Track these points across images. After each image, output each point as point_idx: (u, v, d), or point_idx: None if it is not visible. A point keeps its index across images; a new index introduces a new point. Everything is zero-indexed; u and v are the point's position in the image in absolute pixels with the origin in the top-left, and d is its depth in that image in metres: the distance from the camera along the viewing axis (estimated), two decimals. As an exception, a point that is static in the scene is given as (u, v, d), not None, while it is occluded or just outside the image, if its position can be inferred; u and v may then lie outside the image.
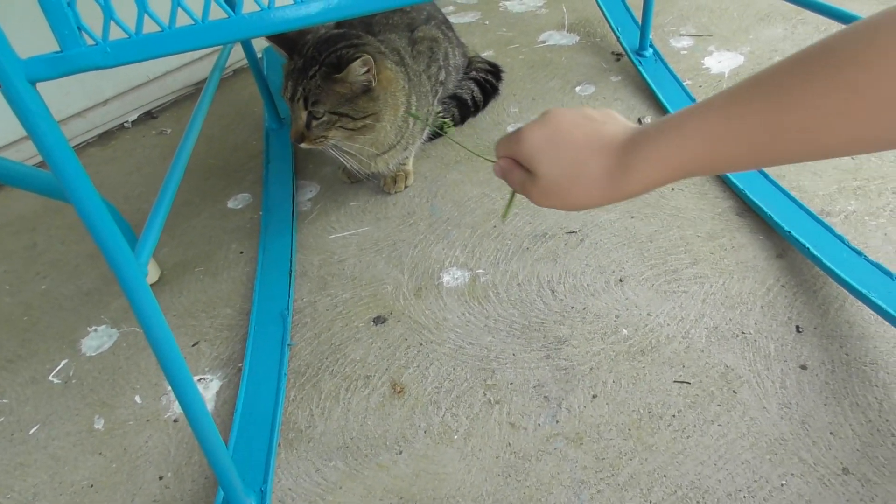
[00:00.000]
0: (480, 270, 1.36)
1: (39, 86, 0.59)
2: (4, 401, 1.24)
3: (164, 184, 0.96)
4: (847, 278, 1.15)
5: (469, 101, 1.76)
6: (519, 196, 0.71)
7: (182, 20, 0.60)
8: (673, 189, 1.47)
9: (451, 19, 1.94)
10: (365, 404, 1.14)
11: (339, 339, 1.26)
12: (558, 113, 0.64)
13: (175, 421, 1.17)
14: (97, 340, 1.34)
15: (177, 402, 1.19)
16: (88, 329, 1.36)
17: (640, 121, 1.66)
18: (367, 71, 1.29)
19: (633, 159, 0.58)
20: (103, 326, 1.36)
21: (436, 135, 1.69)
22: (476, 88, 1.79)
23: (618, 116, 0.64)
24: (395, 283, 1.36)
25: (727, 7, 2.14)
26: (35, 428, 1.19)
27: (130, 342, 1.32)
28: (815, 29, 1.92)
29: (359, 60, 1.26)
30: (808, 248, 1.22)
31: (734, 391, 1.08)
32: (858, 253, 1.20)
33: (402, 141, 1.47)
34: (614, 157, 0.59)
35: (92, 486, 1.09)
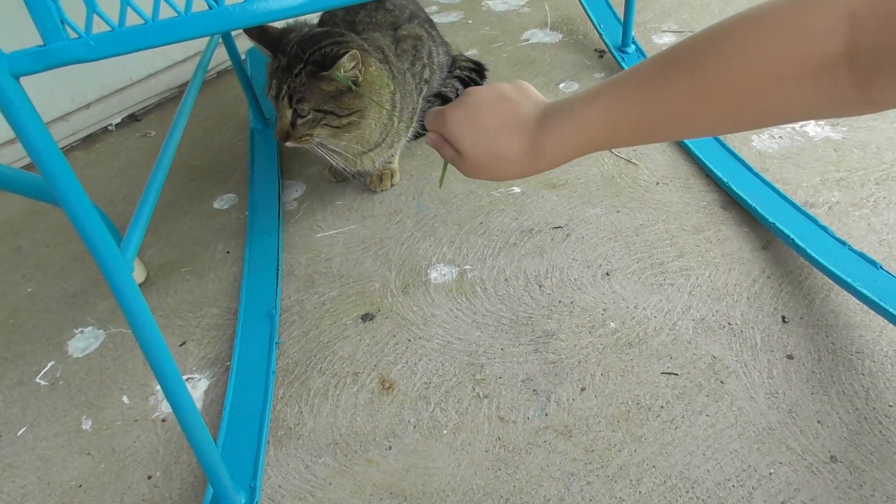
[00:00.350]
0: (468, 266, 1.36)
1: (23, 87, 0.59)
2: (-10, 404, 1.24)
3: (148, 181, 0.96)
4: (832, 268, 1.16)
5: (454, 99, 1.76)
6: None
7: (165, 12, 0.60)
8: (658, 183, 1.48)
9: (435, 19, 1.94)
10: (354, 401, 1.14)
11: (328, 337, 1.26)
12: (476, 95, 0.70)
13: (163, 420, 1.16)
14: (84, 342, 1.33)
15: (164, 402, 1.19)
16: (75, 331, 1.36)
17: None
18: (355, 66, 1.29)
19: (543, 140, 0.65)
20: (90, 328, 1.36)
21: (421, 133, 1.69)
22: (461, 87, 1.79)
23: (529, 90, 0.71)
24: (382, 280, 1.36)
25: (708, 3, 2.16)
26: (23, 429, 1.18)
27: (117, 343, 1.32)
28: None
29: (347, 55, 1.26)
30: (792, 239, 1.23)
31: (721, 382, 1.08)
32: (842, 243, 1.21)
33: (388, 139, 1.47)
34: (528, 138, 0.66)
35: (80, 486, 1.08)
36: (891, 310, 1.05)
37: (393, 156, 1.59)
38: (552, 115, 0.65)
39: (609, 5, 2.09)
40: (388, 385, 1.16)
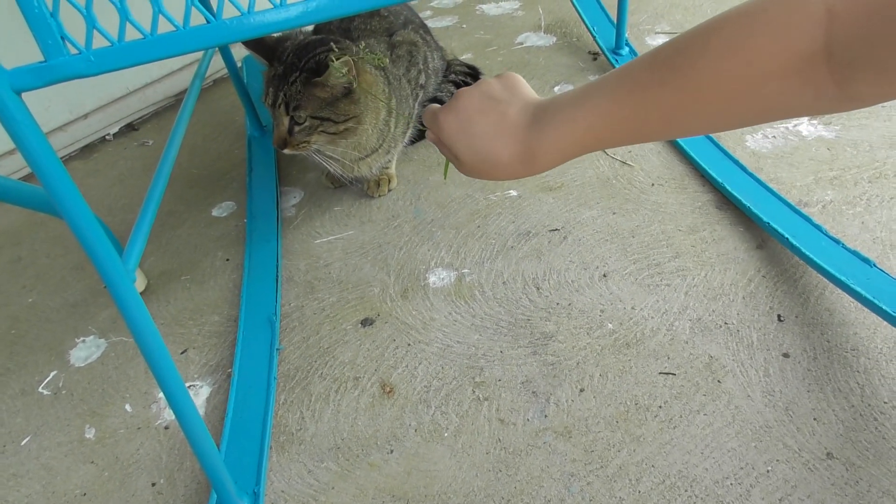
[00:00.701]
0: (466, 270, 1.37)
1: (21, 98, 0.60)
2: (-6, 414, 1.25)
3: (149, 190, 0.97)
4: (826, 266, 1.17)
5: (449, 103, 1.77)
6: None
7: (164, 27, 0.61)
8: (653, 184, 1.49)
9: (429, 23, 1.96)
10: (355, 405, 1.15)
11: (328, 342, 1.27)
12: (466, 99, 0.71)
13: (166, 428, 1.17)
14: (86, 351, 1.34)
15: (166, 410, 1.20)
16: (76, 340, 1.37)
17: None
18: (349, 71, 1.30)
19: (537, 147, 0.66)
20: (91, 337, 1.37)
21: (418, 138, 1.70)
22: (456, 91, 1.80)
23: (518, 85, 0.71)
24: (381, 285, 1.37)
25: (701, 4, 2.17)
26: (27, 439, 1.19)
27: (119, 352, 1.32)
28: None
29: (339, 61, 1.27)
30: (787, 239, 1.24)
31: (719, 381, 1.09)
32: (836, 241, 1.22)
33: (385, 144, 1.48)
34: (520, 143, 0.67)
35: (85, 494, 1.09)
36: (884, 307, 1.06)
37: (390, 161, 1.60)
38: (543, 117, 0.65)
39: (602, 8, 2.10)
40: (388, 389, 1.17)
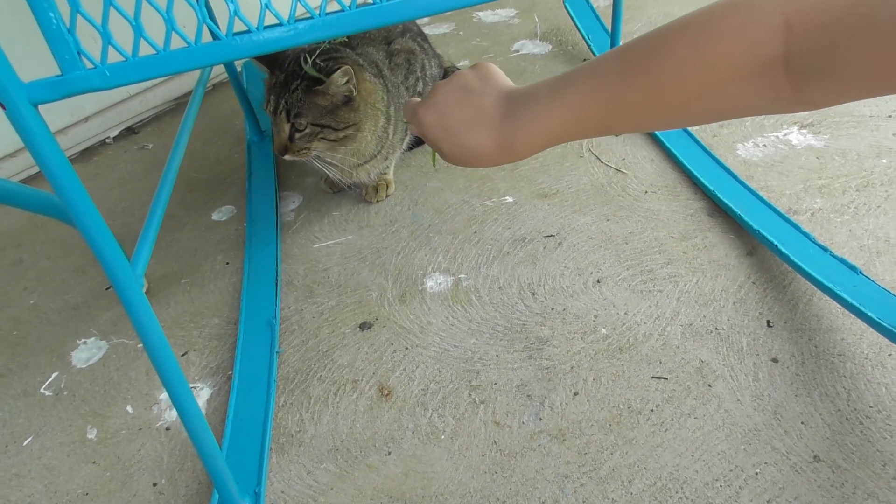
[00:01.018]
0: (462, 275, 1.39)
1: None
2: (-3, 415, 1.27)
3: (155, 196, 0.99)
4: (814, 274, 1.19)
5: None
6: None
7: (176, 43, 0.63)
8: (647, 192, 1.52)
9: (426, 30, 1.97)
10: (353, 408, 1.17)
11: (327, 346, 1.29)
12: (442, 94, 0.73)
13: (167, 429, 1.19)
14: (87, 352, 1.36)
15: (168, 411, 1.22)
16: (78, 342, 1.38)
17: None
18: (348, 81, 1.32)
19: (513, 137, 0.68)
20: (93, 339, 1.39)
21: (415, 144, 1.72)
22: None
23: (492, 75, 0.73)
24: (379, 289, 1.39)
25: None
26: (29, 439, 1.21)
27: (120, 353, 1.34)
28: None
29: (339, 71, 1.30)
30: (776, 246, 1.27)
31: (709, 385, 1.12)
32: (824, 249, 1.25)
33: (383, 151, 1.50)
34: (497, 133, 0.69)
35: (87, 494, 1.11)
36: (870, 314, 1.08)
37: (388, 167, 1.62)
38: (518, 111, 0.68)
39: (597, 16, 2.13)
40: (386, 392, 1.19)
